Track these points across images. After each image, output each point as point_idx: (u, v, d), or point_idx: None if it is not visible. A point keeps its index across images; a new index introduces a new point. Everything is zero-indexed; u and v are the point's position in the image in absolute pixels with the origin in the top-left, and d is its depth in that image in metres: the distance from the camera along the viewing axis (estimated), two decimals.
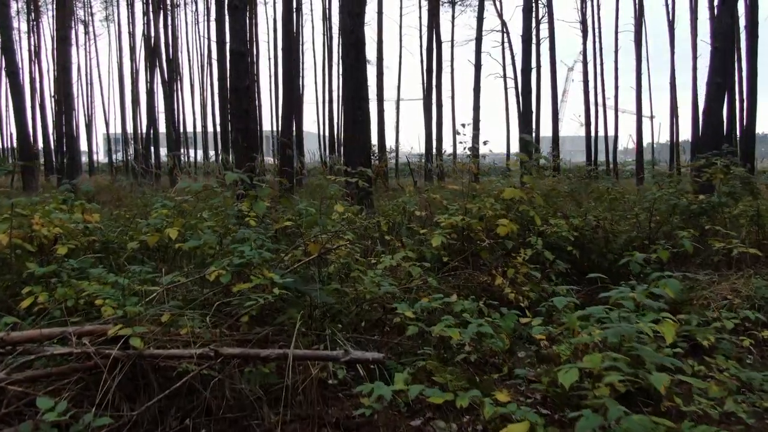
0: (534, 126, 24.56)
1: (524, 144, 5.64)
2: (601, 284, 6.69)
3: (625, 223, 7.42)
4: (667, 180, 7.38)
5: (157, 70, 28.09)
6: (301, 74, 28.76)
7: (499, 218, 5.73)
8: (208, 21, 35.37)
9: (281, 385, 3.29)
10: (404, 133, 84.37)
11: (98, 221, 5.17)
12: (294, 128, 18.91)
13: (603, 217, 6.79)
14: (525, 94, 15.41)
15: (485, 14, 26.02)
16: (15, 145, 26.08)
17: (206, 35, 38.91)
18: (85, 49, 43.85)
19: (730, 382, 3.46)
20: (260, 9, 36.45)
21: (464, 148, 11.23)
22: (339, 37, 32.88)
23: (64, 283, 3.64)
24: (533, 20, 19.52)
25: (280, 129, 17.55)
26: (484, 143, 7.21)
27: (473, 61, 23.59)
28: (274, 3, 52.37)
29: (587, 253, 6.79)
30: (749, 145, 17.57)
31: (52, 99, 30.88)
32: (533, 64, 19.49)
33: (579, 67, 32.76)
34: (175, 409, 3.07)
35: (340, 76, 33.10)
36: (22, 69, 36.04)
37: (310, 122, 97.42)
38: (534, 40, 25.16)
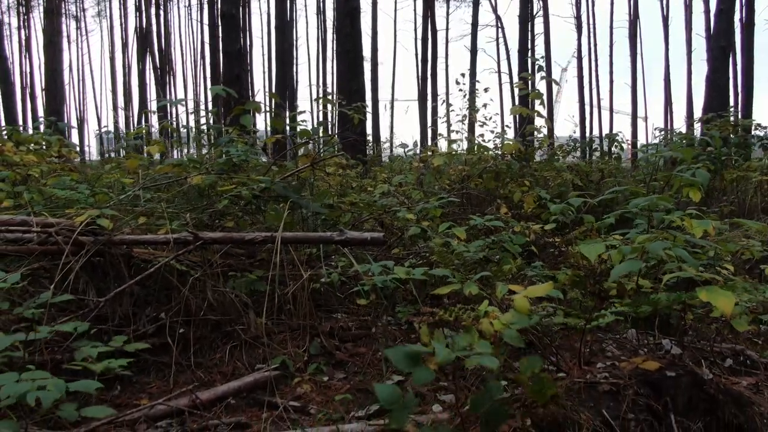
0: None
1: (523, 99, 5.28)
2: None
3: (631, 180, 7.17)
4: (676, 136, 7.12)
5: (149, 59, 27.71)
6: (295, 66, 28.46)
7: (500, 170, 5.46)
8: (201, 10, 35.03)
9: (270, 295, 2.98)
10: (400, 133, 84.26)
11: (76, 155, 4.84)
12: (288, 100, 18.58)
13: (608, 170, 6.53)
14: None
15: (479, 10, 25.83)
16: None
17: (199, 26, 38.48)
18: (77, 45, 43.39)
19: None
20: (255, 5, 36.23)
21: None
22: (333, 32, 32.67)
23: (32, 190, 3.32)
24: (528, 14, 19.26)
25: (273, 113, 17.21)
26: (485, 106, 6.88)
27: (469, 47, 23.38)
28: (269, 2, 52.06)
29: (591, 207, 6.55)
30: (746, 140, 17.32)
31: (43, 92, 30.44)
32: (529, 63, 19.18)
33: (573, 64, 32.67)
34: (150, 309, 2.75)
35: (335, 69, 32.85)
36: (13, 63, 35.58)
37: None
38: (529, 36, 24.96)
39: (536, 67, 5.13)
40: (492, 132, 6.17)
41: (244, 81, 9.78)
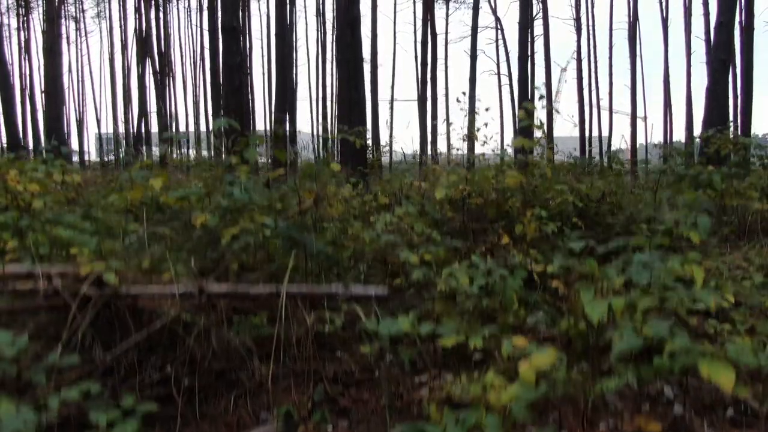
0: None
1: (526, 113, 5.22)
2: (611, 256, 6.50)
3: (631, 198, 7.17)
4: (675, 153, 7.14)
5: (149, 63, 27.69)
6: (294, 69, 28.45)
7: (502, 188, 5.48)
8: (201, 12, 35.01)
9: (274, 339, 3.00)
10: (399, 133, 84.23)
11: (79, 181, 4.85)
12: (288, 121, 18.61)
13: (608, 189, 6.54)
14: (522, 82, 15.18)
15: (479, 11, 25.78)
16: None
17: (198, 25, 38.38)
18: (77, 45, 43.37)
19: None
20: (254, 6, 36.44)
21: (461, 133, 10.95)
22: (333, 32, 32.67)
23: (37, 230, 3.33)
24: (528, 20, 19.15)
25: (273, 116, 17.23)
26: (485, 125, 6.87)
27: (468, 52, 23.43)
28: (268, 2, 52.02)
29: (592, 226, 6.55)
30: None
31: (42, 94, 30.42)
32: (527, 63, 19.08)
33: (572, 65, 32.68)
34: (155, 358, 2.77)
35: (335, 72, 32.92)
36: (12, 65, 35.54)
37: (304, 123, 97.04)
38: (528, 37, 24.90)
39: (537, 95, 5.10)
40: (493, 152, 6.19)
41: (245, 92, 9.80)
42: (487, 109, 6.18)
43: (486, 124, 6.22)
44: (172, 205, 4.07)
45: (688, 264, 2.72)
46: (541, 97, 5.38)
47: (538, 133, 5.14)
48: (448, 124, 8.37)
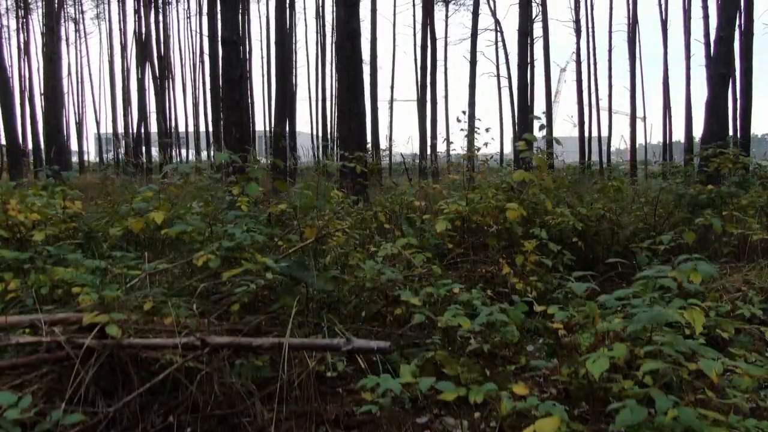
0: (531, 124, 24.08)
1: (527, 123, 5.21)
2: (611, 276, 6.48)
3: (630, 216, 7.18)
4: (674, 170, 7.15)
5: (148, 67, 27.67)
6: (294, 72, 28.43)
7: (502, 208, 5.49)
8: (201, 16, 34.99)
9: (275, 379, 3.01)
10: (398, 133, 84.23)
11: (80, 209, 4.86)
12: (287, 124, 18.62)
13: (608, 208, 6.55)
14: (522, 89, 15.18)
15: (479, 16, 25.71)
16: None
17: (198, 30, 38.27)
18: (76, 47, 43.29)
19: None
20: (253, 7, 36.51)
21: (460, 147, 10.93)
22: (332, 33, 32.67)
23: (39, 270, 3.34)
24: (528, 27, 19.10)
25: (273, 118, 17.23)
26: (485, 144, 6.85)
27: (468, 58, 23.45)
28: (267, 2, 51.96)
29: (592, 245, 6.56)
30: (745, 146, 17.27)
31: (42, 97, 30.35)
32: (527, 70, 18.97)
33: (571, 67, 32.69)
34: (157, 405, 2.78)
35: (334, 74, 32.93)
36: (11, 67, 35.48)
37: (303, 123, 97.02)
38: (528, 44, 24.77)
39: (540, 125, 5.11)
40: (492, 166, 6.20)
41: (245, 103, 9.80)
42: (487, 130, 6.19)
43: (486, 144, 6.24)
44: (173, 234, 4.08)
45: (688, 312, 2.73)
46: (542, 127, 5.35)
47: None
48: (449, 143, 8.45)
